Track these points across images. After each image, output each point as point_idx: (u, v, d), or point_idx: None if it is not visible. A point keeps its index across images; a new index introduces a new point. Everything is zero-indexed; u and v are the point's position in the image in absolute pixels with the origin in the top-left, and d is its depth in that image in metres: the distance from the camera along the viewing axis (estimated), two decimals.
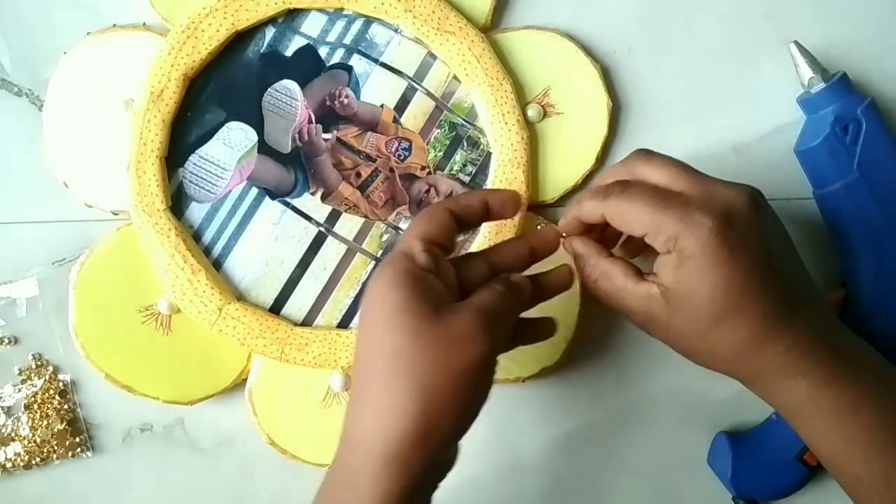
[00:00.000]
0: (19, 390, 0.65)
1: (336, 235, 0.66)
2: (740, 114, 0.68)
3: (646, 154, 0.56)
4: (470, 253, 0.59)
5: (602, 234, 0.59)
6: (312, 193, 0.65)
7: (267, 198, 0.65)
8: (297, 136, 0.65)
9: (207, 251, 0.65)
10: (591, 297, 0.58)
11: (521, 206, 0.59)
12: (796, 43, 0.64)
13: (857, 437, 0.52)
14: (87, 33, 0.64)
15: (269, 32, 0.65)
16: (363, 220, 0.66)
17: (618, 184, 0.55)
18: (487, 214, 0.57)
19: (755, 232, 0.52)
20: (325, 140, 0.65)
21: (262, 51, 0.65)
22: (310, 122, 0.65)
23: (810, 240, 0.68)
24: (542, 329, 0.60)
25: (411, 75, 0.66)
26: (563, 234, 0.59)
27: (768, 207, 0.55)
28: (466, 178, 0.66)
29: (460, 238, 0.66)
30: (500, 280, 0.54)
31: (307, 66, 0.65)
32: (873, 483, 0.52)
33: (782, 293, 0.52)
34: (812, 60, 0.64)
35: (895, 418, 0.52)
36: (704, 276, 0.51)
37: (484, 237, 0.65)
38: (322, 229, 0.66)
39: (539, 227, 0.66)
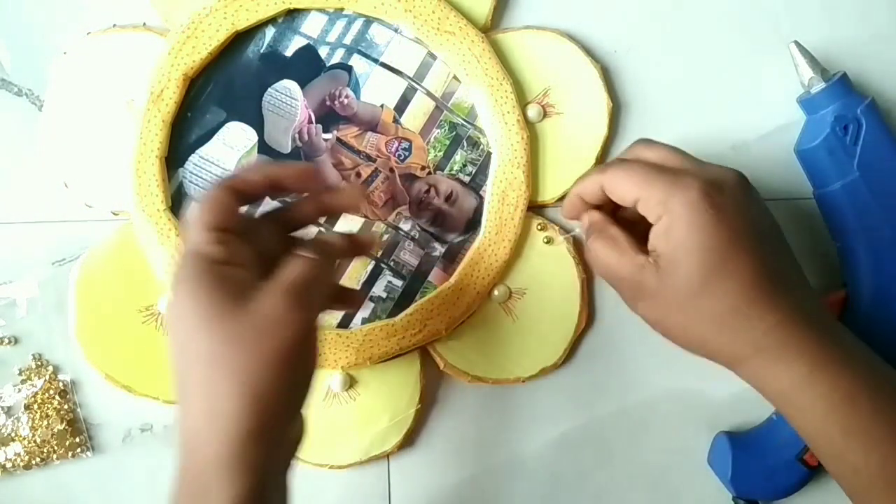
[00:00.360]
0: (19, 390, 0.65)
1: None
2: (740, 113, 0.68)
3: (647, 141, 0.59)
4: (260, 219, 0.57)
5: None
6: None
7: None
8: (297, 136, 0.66)
9: None
10: (587, 264, 0.61)
11: (312, 180, 0.56)
12: (796, 43, 0.65)
13: (856, 427, 0.52)
14: (87, 33, 0.65)
15: (270, 32, 0.65)
16: (363, 220, 0.66)
17: (617, 159, 0.58)
18: (273, 186, 0.55)
19: (742, 204, 0.54)
20: (325, 140, 0.66)
21: (262, 51, 0.65)
22: (310, 122, 0.66)
23: (810, 240, 0.68)
24: (352, 298, 0.63)
25: (411, 75, 0.66)
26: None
27: (758, 196, 0.56)
28: (466, 178, 0.66)
29: (460, 238, 0.66)
30: (307, 244, 0.54)
31: (307, 66, 0.66)
32: (872, 475, 0.52)
33: (770, 270, 0.53)
34: (812, 60, 0.64)
35: (893, 408, 0.52)
36: (691, 237, 0.52)
37: (485, 236, 0.65)
38: (322, 229, 0.66)
39: (543, 236, 0.66)
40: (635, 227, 0.57)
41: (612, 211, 0.60)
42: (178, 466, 0.49)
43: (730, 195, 0.53)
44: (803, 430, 0.54)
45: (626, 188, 0.55)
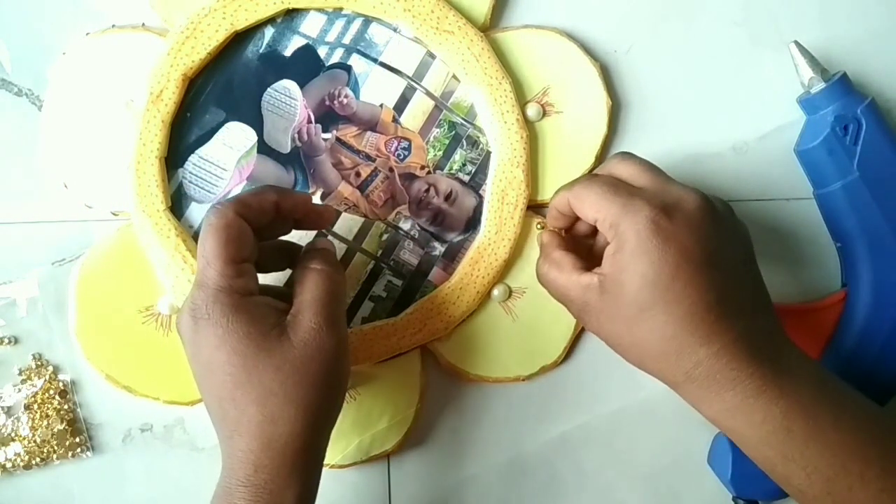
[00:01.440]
0: (19, 390, 0.66)
1: (336, 235, 0.66)
2: (740, 114, 0.69)
3: (623, 155, 0.59)
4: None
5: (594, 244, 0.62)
6: (312, 193, 0.66)
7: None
8: (296, 135, 0.66)
9: None
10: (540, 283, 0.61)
11: (313, 211, 0.61)
12: (796, 43, 0.65)
13: (794, 452, 0.52)
14: (87, 34, 0.65)
15: (269, 32, 0.66)
16: (363, 219, 0.67)
17: (586, 175, 0.60)
18: (279, 214, 0.58)
19: (695, 230, 0.53)
20: (325, 140, 0.66)
21: (261, 51, 0.66)
22: (309, 121, 0.66)
23: (810, 240, 0.68)
24: None
25: (410, 75, 0.67)
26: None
27: (727, 216, 0.56)
28: (466, 178, 0.67)
29: (459, 237, 0.67)
30: (313, 257, 0.58)
31: (306, 65, 0.66)
32: (817, 496, 0.52)
33: (714, 299, 0.53)
34: (812, 60, 0.65)
35: (831, 433, 0.52)
36: (634, 264, 0.53)
37: (485, 235, 0.66)
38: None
39: (538, 227, 0.67)
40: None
41: None
42: (232, 482, 0.53)
43: (681, 222, 0.53)
44: (747, 453, 0.55)
45: (585, 207, 0.56)
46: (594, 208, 0.55)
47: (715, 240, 0.54)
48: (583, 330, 0.68)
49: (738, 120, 0.69)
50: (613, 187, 0.55)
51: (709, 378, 0.53)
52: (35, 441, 0.66)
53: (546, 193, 0.67)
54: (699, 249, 0.53)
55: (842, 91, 0.64)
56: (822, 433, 0.52)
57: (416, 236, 0.67)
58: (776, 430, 0.52)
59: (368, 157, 0.67)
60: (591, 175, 0.59)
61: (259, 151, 0.66)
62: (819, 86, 0.64)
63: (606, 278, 0.54)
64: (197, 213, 0.66)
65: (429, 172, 0.67)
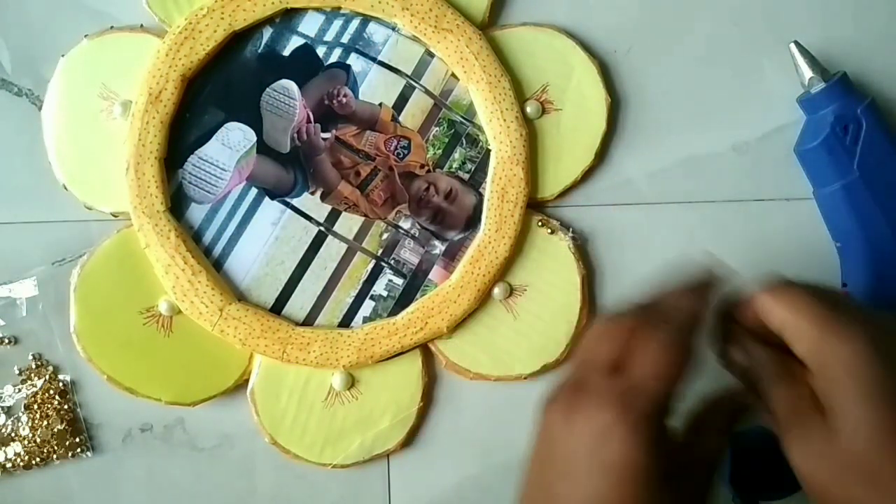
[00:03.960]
0: (19, 390, 0.67)
1: (336, 234, 0.68)
2: (740, 113, 0.70)
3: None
4: None
5: None
6: (312, 193, 0.68)
7: (266, 198, 0.68)
8: (295, 135, 0.68)
9: (208, 252, 0.68)
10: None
11: None
12: (796, 43, 0.66)
13: None
14: (85, 36, 0.66)
15: (267, 32, 0.67)
16: (363, 218, 0.68)
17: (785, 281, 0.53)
18: None
19: None
20: (324, 139, 0.68)
21: (259, 51, 0.67)
22: (308, 121, 0.68)
23: (810, 240, 0.69)
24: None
25: (409, 73, 0.68)
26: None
27: None
28: (466, 176, 0.69)
29: (460, 236, 0.69)
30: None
31: (305, 65, 0.68)
32: None
33: None
34: (812, 60, 0.66)
35: None
36: (855, 403, 0.48)
37: (485, 233, 0.68)
38: (322, 228, 0.68)
39: (545, 230, 0.69)
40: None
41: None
42: None
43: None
44: None
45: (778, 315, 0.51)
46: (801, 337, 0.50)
47: None
48: (584, 328, 0.69)
49: (738, 120, 0.70)
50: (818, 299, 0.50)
51: None
52: (35, 441, 0.67)
53: (546, 191, 0.69)
54: None
55: (842, 91, 0.65)
56: None
57: (417, 235, 0.69)
58: None
59: (368, 157, 0.68)
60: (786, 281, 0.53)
61: (258, 151, 0.67)
62: (819, 86, 0.66)
63: (831, 412, 0.49)
64: (197, 213, 0.67)
65: (428, 171, 0.69)
